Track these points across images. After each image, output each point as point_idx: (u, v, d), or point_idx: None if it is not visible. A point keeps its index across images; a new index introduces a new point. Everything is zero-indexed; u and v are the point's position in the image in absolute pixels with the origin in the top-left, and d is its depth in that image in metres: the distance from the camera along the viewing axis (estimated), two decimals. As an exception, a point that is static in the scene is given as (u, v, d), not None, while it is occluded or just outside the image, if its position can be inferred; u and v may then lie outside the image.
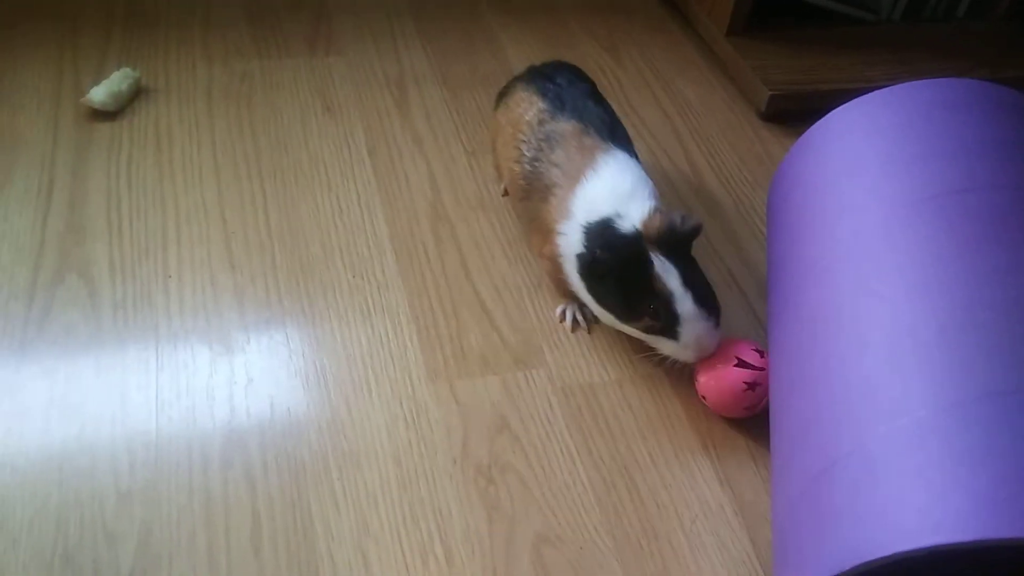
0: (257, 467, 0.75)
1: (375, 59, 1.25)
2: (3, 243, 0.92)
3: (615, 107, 0.96)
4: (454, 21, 1.35)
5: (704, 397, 0.80)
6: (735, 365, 0.78)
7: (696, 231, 0.79)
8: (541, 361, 0.87)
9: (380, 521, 0.72)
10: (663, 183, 1.08)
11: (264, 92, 1.16)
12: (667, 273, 0.76)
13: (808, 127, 0.83)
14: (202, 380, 0.82)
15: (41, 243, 0.92)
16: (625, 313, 0.80)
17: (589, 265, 0.80)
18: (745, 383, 0.77)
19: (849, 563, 0.49)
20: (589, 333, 0.89)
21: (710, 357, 0.79)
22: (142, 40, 1.23)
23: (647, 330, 0.80)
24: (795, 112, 1.18)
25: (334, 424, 0.79)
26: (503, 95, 1.00)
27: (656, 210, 0.79)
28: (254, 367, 0.83)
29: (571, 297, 0.89)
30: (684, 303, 0.76)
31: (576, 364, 0.87)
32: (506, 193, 1.02)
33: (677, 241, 0.78)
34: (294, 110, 1.14)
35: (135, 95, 1.12)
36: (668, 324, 0.77)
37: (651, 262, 0.77)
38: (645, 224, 0.78)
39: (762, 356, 0.78)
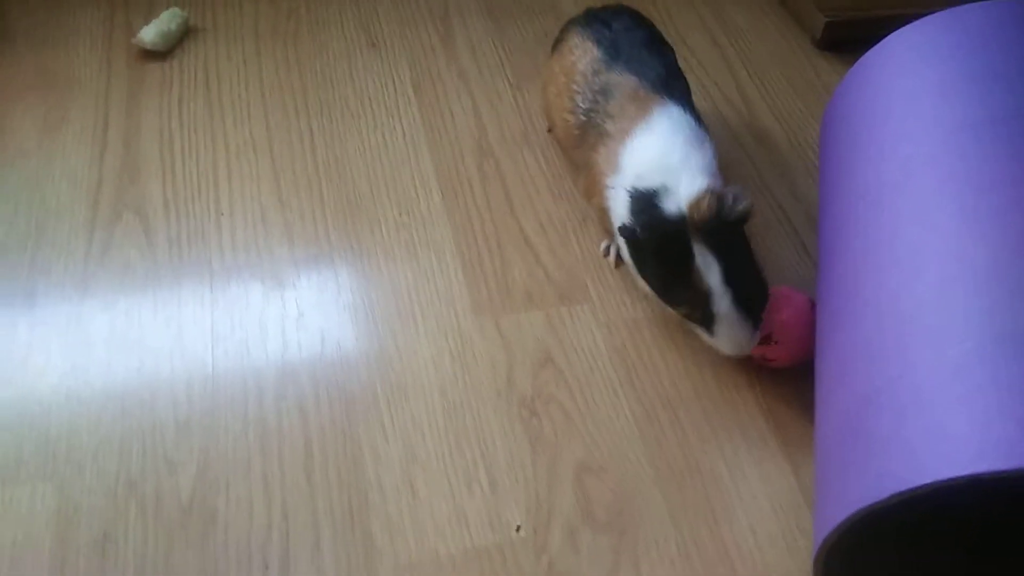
0: (309, 398, 0.77)
1: (420, -7, 1.24)
2: (62, 181, 0.95)
3: (663, 34, 0.93)
4: (500, -49, 1.32)
5: (770, 361, 0.79)
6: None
7: (744, 217, 0.73)
8: (585, 296, 0.87)
9: (427, 450, 0.74)
10: (713, 115, 1.06)
11: (310, 29, 1.16)
12: (708, 268, 0.72)
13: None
14: (255, 314, 0.84)
15: (99, 181, 0.95)
16: (663, 295, 0.78)
17: (628, 238, 0.77)
18: None
19: (889, 490, 0.49)
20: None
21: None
22: (189, -21, 1.23)
23: (685, 317, 0.78)
24: (852, 40, 1.13)
25: (382, 357, 0.81)
26: (559, 40, 0.96)
27: (706, 191, 0.74)
28: (304, 301, 0.85)
29: (613, 237, 0.89)
30: (722, 303, 0.73)
31: (620, 299, 0.87)
32: (550, 129, 1.01)
33: (724, 227, 0.73)
34: (340, 47, 1.14)
35: (184, 35, 1.13)
36: (704, 318, 0.75)
37: (692, 254, 0.73)
38: (691, 208, 0.73)
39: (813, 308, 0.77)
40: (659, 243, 0.74)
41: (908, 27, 0.77)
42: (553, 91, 0.93)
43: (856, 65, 0.81)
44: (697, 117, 0.85)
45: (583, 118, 0.87)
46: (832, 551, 0.55)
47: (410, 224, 0.93)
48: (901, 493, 0.49)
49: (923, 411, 0.52)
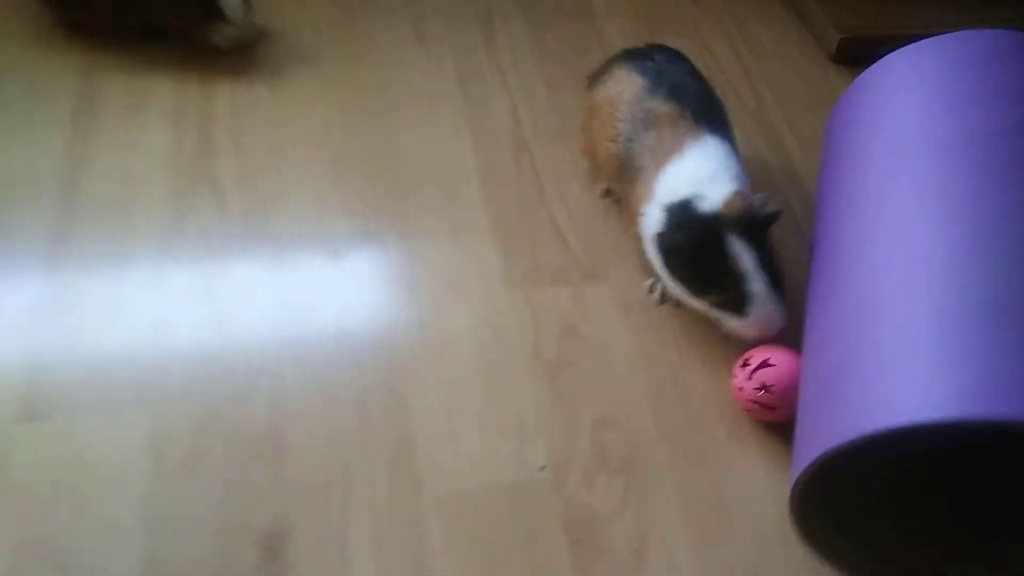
0: (363, 354, 0.89)
1: (466, -6, 1.34)
2: (146, 155, 1.06)
3: (691, 48, 1.03)
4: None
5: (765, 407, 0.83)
6: None
7: (774, 217, 0.83)
8: (606, 277, 0.98)
9: (463, 402, 0.86)
10: (732, 121, 1.16)
11: (364, 25, 1.27)
12: (742, 254, 0.81)
13: (876, 71, 0.90)
14: (314, 279, 0.95)
15: (177, 156, 1.06)
16: (696, 287, 0.86)
17: (666, 243, 0.85)
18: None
19: (847, 437, 0.60)
20: (676, 306, 0.95)
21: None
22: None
23: (715, 305, 0.85)
24: (864, 56, 1.21)
25: (425, 323, 0.92)
26: (599, 75, 1.02)
27: (736, 193, 0.82)
28: (358, 271, 0.96)
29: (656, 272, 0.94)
30: (756, 283, 0.81)
31: (638, 283, 0.98)
32: (606, 194, 1.05)
33: (755, 225, 0.82)
34: (390, 42, 1.25)
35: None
36: (737, 302, 0.83)
37: (727, 242, 0.81)
38: (725, 206, 0.82)
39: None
40: (696, 234, 0.82)
41: (900, 51, 0.87)
42: (597, 123, 0.98)
43: (853, 83, 0.92)
44: (733, 144, 0.92)
45: (623, 147, 0.92)
46: (805, 490, 0.66)
47: (452, 208, 1.04)
48: (859, 439, 0.60)
49: (887, 373, 0.62)
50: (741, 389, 0.84)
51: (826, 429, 0.63)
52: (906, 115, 0.79)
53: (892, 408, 0.58)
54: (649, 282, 0.97)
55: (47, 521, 0.74)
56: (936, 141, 0.74)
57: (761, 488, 0.81)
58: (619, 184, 0.97)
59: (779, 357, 0.82)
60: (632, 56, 1.00)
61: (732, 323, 0.86)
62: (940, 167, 0.72)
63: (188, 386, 0.85)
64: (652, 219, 0.88)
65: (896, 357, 0.62)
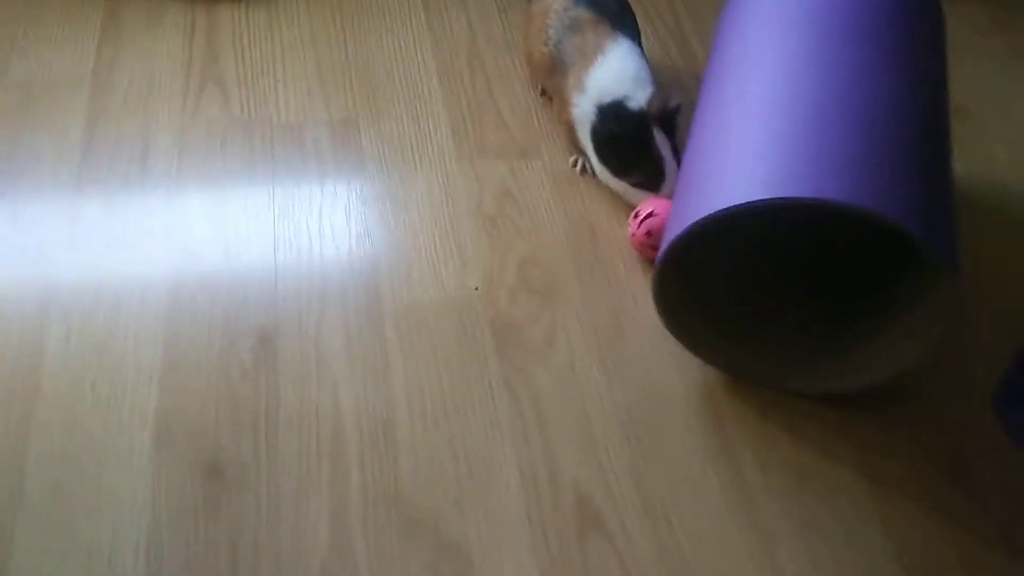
0: (341, 209, 1.12)
1: (433, -70, 1.55)
2: (163, 60, 1.28)
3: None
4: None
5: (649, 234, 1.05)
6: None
7: (677, 110, 1.06)
8: (539, 155, 1.20)
9: (419, 242, 1.09)
10: (652, 33, 1.37)
11: (345, -44, 1.48)
12: (661, 144, 1.05)
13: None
14: (304, 153, 1.18)
15: (189, 61, 1.29)
16: (621, 169, 1.08)
17: (604, 135, 1.06)
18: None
19: (687, 225, 0.83)
20: (594, 176, 1.18)
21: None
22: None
23: (634, 183, 1.08)
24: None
25: (390, 185, 1.15)
26: None
27: (655, 95, 1.05)
28: (339, 149, 1.19)
29: (580, 151, 1.18)
30: (670, 167, 1.05)
31: (564, 159, 1.20)
32: (543, 93, 1.26)
33: (668, 118, 1.06)
34: (368, -30, 1.46)
35: None
36: (654, 182, 1.06)
37: (652, 136, 1.04)
38: (649, 105, 1.04)
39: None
40: (631, 129, 1.05)
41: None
42: (533, 28, 1.18)
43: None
44: (641, 47, 1.15)
45: (553, 49, 1.13)
46: (661, 277, 0.89)
47: (415, 101, 1.26)
48: (692, 224, 0.82)
49: (723, 178, 0.85)
50: (633, 235, 1.06)
51: (675, 227, 0.86)
52: (764, 6, 1.01)
53: (719, 198, 0.81)
54: (573, 158, 1.20)
55: (90, 314, 0.99)
56: (782, 22, 0.96)
57: (648, 304, 1.04)
58: (551, 81, 1.19)
59: (662, 208, 1.05)
60: None
61: (641, 196, 1.09)
62: (782, 37, 0.94)
63: (203, 234, 1.08)
64: (583, 110, 1.10)
65: (731, 167, 0.85)
